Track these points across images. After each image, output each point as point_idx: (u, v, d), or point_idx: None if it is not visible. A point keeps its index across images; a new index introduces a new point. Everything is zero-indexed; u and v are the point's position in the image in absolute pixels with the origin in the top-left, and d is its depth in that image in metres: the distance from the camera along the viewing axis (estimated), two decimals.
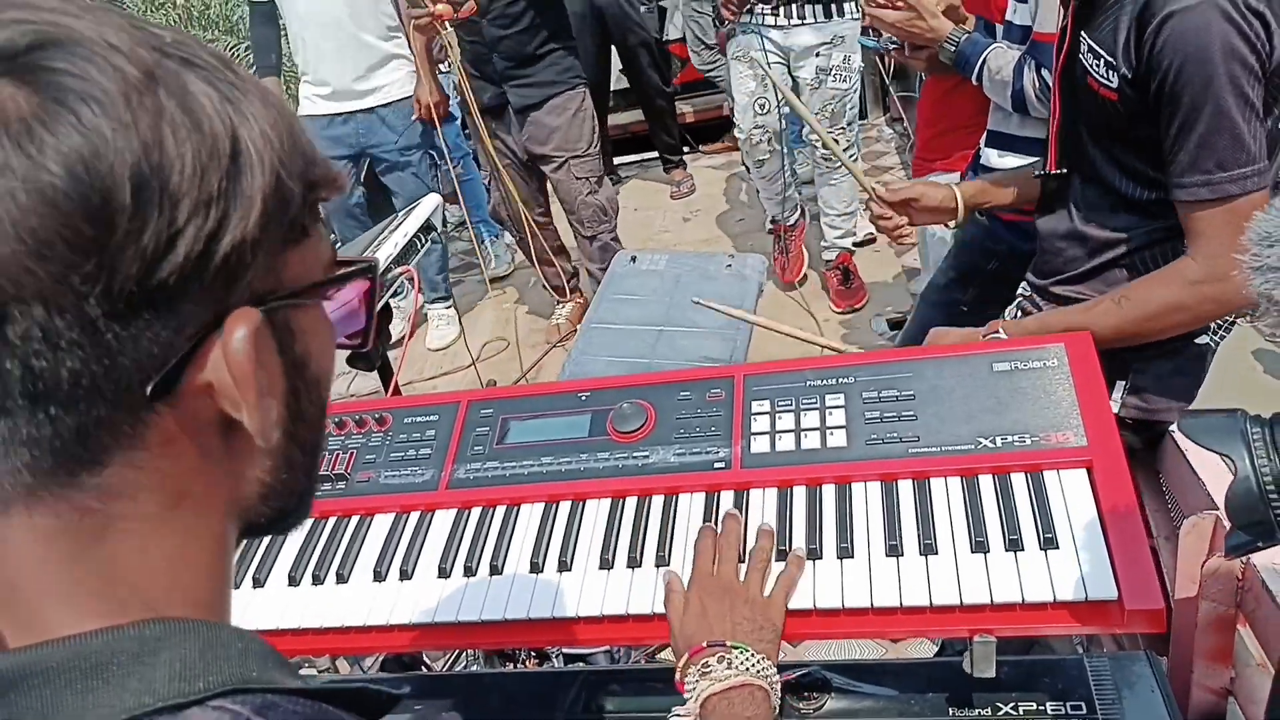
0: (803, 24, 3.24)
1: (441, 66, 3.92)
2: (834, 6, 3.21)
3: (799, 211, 3.80)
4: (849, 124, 3.42)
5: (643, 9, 4.76)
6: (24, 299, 0.36)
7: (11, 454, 0.39)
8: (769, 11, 3.24)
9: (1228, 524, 0.65)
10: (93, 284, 0.37)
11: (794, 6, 3.20)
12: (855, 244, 3.77)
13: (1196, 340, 1.38)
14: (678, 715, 0.88)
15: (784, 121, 3.49)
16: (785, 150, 3.57)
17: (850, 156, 3.47)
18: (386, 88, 3.56)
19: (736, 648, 0.88)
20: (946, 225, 1.69)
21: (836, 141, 3.03)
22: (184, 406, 0.41)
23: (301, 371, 0.46)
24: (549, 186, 3.59)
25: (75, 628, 0.40)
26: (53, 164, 0.36)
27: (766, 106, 3.45)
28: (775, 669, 0.89)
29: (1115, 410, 1.19)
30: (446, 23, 3.14)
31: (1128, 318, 1.27)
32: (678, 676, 0.90)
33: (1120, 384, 1.40)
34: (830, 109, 3.36)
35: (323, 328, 0.48)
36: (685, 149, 5.21)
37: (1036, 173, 1.54)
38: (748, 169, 3.74)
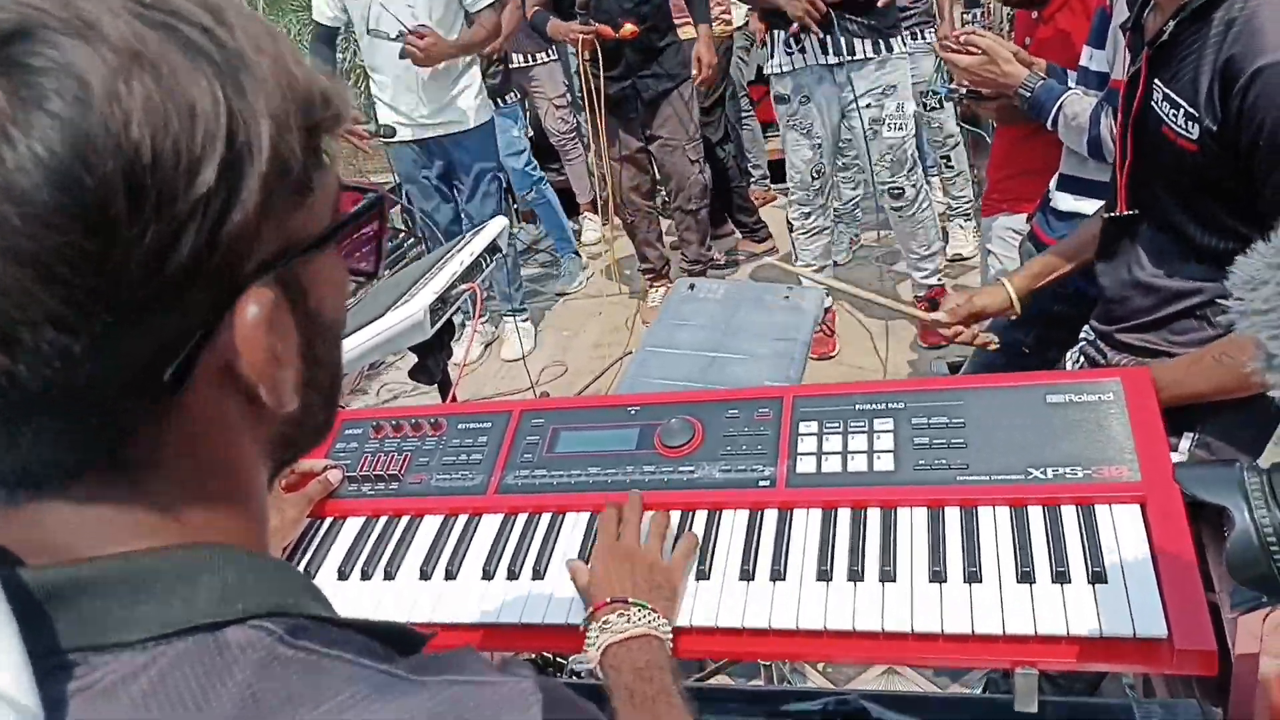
0: (853, 59, 3.14)
1: (507, 99, 4.20)
2: (882, 42, 3.14)
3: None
4: (910, 170, 3.34)
5: None
6: (32, 321, 0.36)
7: (45, 448, 0.39)
8: (819, 49, 3.17)
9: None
10: (99, 298, 0.36)
11: (843, 40, 3.11)
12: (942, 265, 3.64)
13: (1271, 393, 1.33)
14: (578, 663, 0.90)
15: (834, 188, 3.40)
16: (828, 208, 3.50)
17: (920, 203, 3.39)
18: (461, 115, 3.63)
19: (635, 604, 0.95)
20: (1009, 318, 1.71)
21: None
22: (203, 386, 0.41)
23: (315, 322, 0.45)
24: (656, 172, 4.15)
25: (119, 550, 0.41)
26: (38, 177, 0.34)
27: (822, 172, 3.40)
28: (670, 626, 0.96)
29: (1183, 460, 1.15)
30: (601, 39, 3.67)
31: (1231, 375, 1.22)
32: (581, 628, 0.96)
33: (1189, 435, 1.35)
34: (890, 158, 3.30)
35: (333, 269, 0.47)
36: None
37: (1104, 215, 1.51)
38: (790, 226, 3.67)
